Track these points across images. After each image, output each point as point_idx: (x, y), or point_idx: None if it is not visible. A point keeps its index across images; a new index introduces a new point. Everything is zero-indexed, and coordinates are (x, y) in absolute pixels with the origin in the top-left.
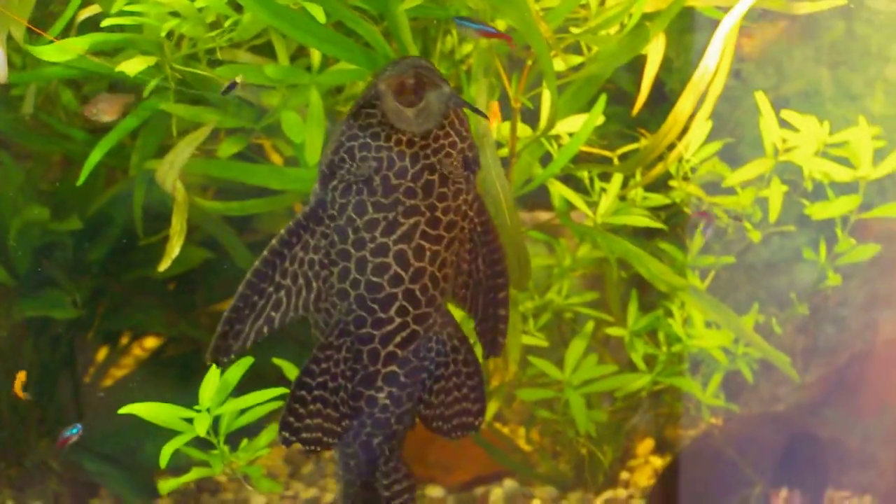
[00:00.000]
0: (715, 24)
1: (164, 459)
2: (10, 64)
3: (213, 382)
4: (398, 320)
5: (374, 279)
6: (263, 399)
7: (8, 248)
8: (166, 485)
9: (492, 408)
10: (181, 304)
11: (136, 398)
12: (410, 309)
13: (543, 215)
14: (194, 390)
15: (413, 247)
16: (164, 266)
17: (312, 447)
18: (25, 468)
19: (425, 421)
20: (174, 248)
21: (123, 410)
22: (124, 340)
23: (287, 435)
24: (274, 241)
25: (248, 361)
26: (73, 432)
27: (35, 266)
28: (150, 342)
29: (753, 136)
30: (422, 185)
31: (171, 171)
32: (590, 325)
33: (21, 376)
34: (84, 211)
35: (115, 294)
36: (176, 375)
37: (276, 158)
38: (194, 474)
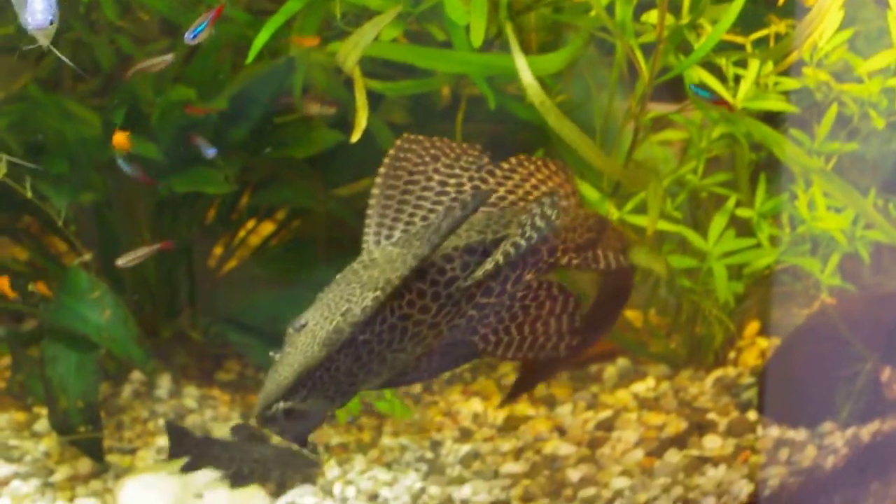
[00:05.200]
0: None
1: None
2: None
3: None
4: None
5: None
6: None
7: (151, 127)
8: None
9: None
10: (323, 183)
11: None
12: None
13: (656, 106)
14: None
15: None
16: (355, 137)
17: None
18: (157, 340)
19: None
20: (362, 121)
21: None
22: (250, 224)
23: None
24: None
25: None
26: (210, 152)
27: (179, 145)
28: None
29: (867, 30)
30: None
31: (354, 52)
32: (732, 201)
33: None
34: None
35: (262, 171)
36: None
37: None
38: None
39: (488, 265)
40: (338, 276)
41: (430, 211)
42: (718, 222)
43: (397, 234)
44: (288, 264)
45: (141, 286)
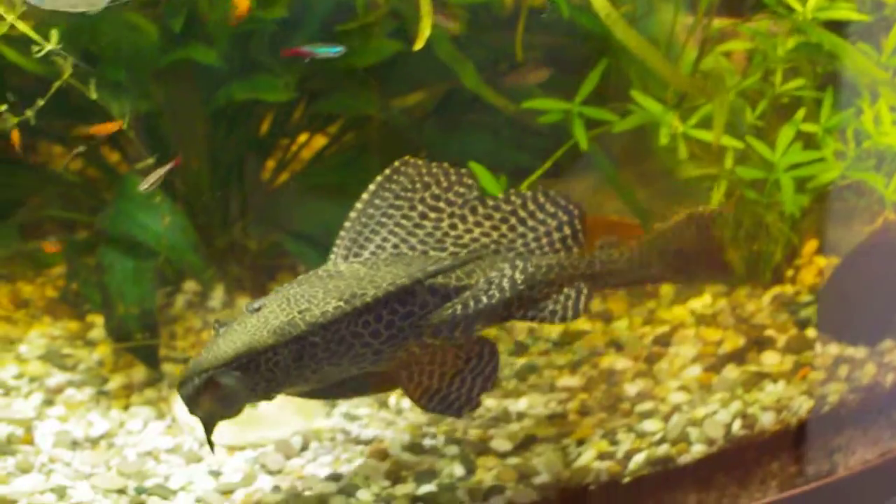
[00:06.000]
0: None
1: None
2: None
3: None
4: None
5: None
6: None
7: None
8: None
9: None
10: (383, 92)
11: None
12: None
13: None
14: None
15: None
16: (419, 45)
17: None
18: (211, 251)
19: None
20: (426, 29)
21: None
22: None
23: None
24: None
25: None
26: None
27: (237, 53)
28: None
29: None
30: None
31: None
32: (801, 113)
33: None
34: None
35: (321, 80)
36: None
37: None
38: None
39: (445, 312)
40: (300, 277)
41: (403, 241)
42: (787, 133)
43: (366, 254)
44: (345, 174)
45: (195, 196)
